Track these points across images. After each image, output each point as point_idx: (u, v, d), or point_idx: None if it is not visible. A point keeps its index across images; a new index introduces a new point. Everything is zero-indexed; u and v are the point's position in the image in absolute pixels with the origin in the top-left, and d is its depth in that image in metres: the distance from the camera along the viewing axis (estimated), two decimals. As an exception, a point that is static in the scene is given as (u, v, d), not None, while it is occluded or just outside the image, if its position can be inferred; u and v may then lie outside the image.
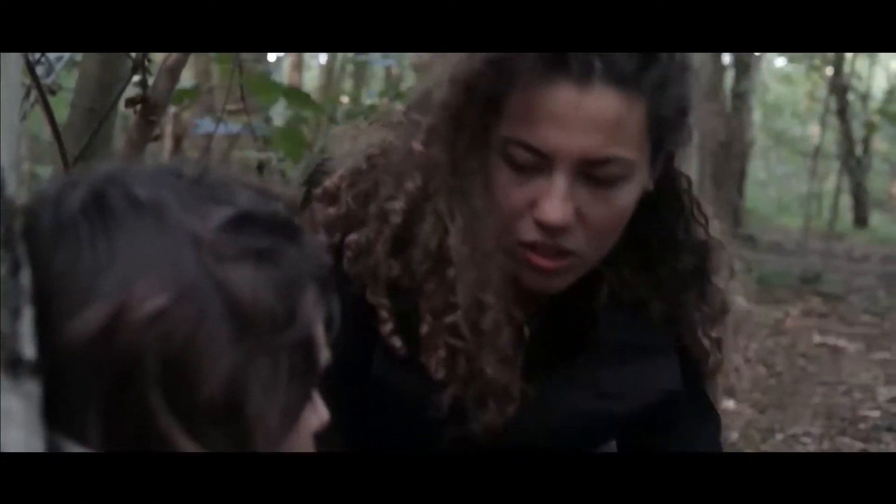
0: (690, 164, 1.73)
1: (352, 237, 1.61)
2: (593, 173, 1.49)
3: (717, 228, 1.72)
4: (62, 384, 0.93)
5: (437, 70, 1.59)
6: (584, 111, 1.46)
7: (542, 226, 1.51)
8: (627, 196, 1.53)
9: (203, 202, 1.00)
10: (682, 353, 1.72)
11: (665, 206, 1.66)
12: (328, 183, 1.66)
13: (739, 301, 1.71)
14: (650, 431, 1.72)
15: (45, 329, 0.91)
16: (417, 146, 1.57)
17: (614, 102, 1.47)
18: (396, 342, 1.59)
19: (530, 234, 1.53)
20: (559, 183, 1.48)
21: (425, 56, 1.66)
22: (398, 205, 1.59)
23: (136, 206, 0.98)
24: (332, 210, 1.63)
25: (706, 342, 1.70)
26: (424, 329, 1.59)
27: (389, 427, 1.67)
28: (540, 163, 1.49)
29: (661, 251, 1.68)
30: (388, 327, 1.60)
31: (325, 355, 1.06)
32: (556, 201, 1.48)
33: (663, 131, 1.52)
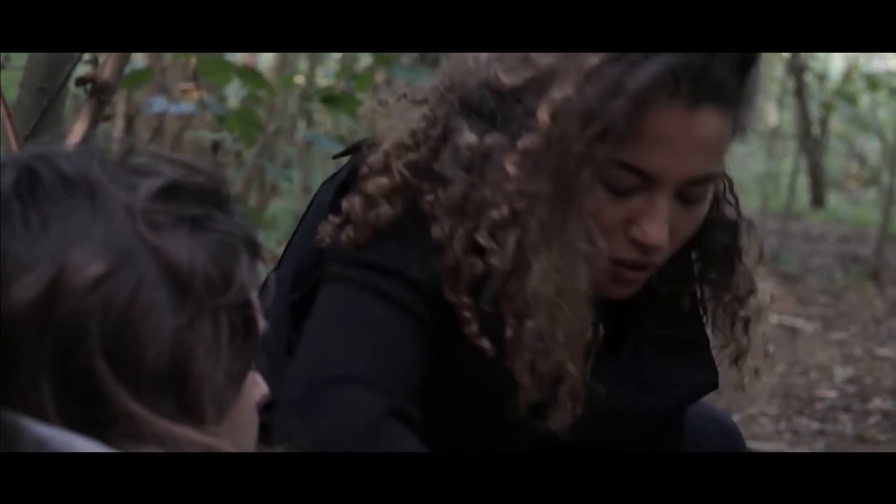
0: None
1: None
2: (689, 192, 1.51)
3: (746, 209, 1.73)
4: (10, 359, 0.93)
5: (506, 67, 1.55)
6: (693, 133, 1.47)
7: (638, 244, 1.50)
8: (707, 206, 1.56)
9: (131, 176, 1.02)
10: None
11: None
12: (373, 158, 1.63)
13: (765, 287, 1.70)
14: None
15: None
16: (512, 169, 1.53)
17: (718, 122, 1.49)
18: (484, 343, 1.56)
19: (625, 252, 1.52)
20: (662, 205, 1.49)
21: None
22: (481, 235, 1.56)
23: (67, 182, 0.99)
24: (383, 180, 1.61)
25: (734, 323, 1.68)
26: (509, 333, 1.57)
27: (464, 426, 1.64)
28: (641, 184, 1.48)
29: (701, 234, 1.66)
30: (473, 328, 1.58)
31: (262, 324, 1.08)
32: (660, 224, 1.48)
33: (736, 137, 1.57)
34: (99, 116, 2.35)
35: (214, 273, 1.01)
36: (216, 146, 3.58)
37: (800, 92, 15.96)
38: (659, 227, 1.48)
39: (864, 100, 16.42)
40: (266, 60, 10.83)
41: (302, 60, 9.12)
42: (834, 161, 19.98)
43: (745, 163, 22.92)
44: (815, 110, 16.46)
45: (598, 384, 1.63)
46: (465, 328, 1.58)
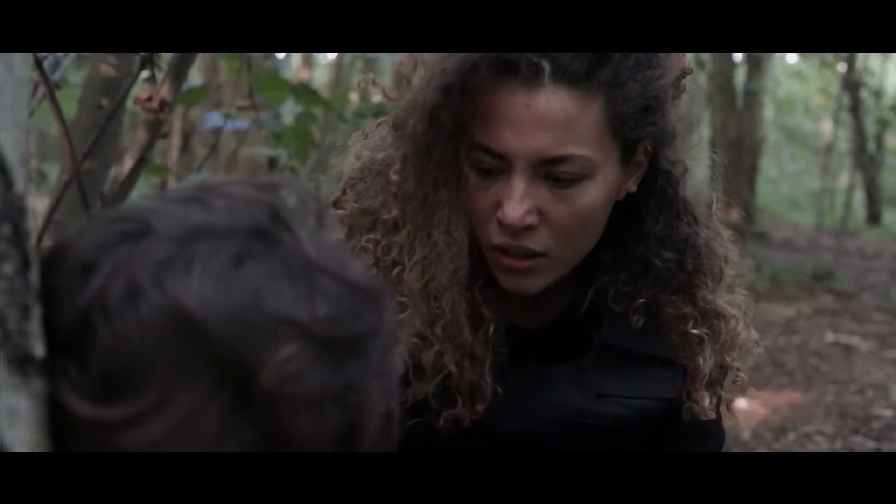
0: (700, 162, 1.72)
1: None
2: (551, 173, 1.53)
3: (711, 231, 1.72)
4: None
5: (414, 85, 1.63)
6: (535, 111, 1.50)
7: (504, 227, 1.54)
8: (590, 194, 1.55)
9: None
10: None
11: (645, 204, 1.67)
12: (337, 193, 1.74)
13: (728, 309, 1.70)
14: (643, 438, 1.72)
15: None
16: (394, 177, 1.63)
17: (565, 101, 1.50)
18: None
19: (498, 237, 1.56)
20: (516, 183, 1.52)
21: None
22: (376, 235, 1.67)
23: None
24: (339, 213, 1.71)
25: (691, 341, 1.69)
26: None
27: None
28: (500, 165, 1.53)
29: (642, 249, 1.69)
30: None
31: None
32: (513, 202, 1.52)
33: (626, 128, 1.54)
34: (156, 134, 2.38)
35: None
36: (272, 162, 3.60)
37: (855, 108, 15.88)
38: (512, 205, 1.52)
39: (921, 116, 16.32)
40: (320, 76, 10.90)
41: (355, 75, 9.17)
42: (890, 177, 19.84)
43: (799, 179, 22.80)
44: (870, 126, 16.37)
45: (552, 389, 1.69)
46: None
